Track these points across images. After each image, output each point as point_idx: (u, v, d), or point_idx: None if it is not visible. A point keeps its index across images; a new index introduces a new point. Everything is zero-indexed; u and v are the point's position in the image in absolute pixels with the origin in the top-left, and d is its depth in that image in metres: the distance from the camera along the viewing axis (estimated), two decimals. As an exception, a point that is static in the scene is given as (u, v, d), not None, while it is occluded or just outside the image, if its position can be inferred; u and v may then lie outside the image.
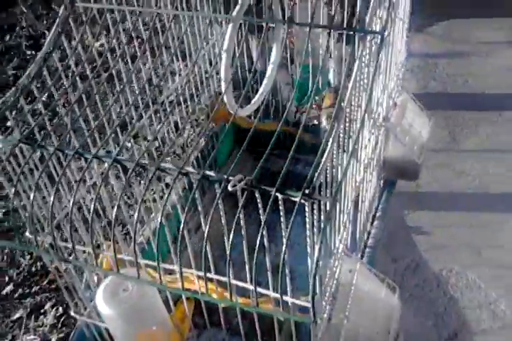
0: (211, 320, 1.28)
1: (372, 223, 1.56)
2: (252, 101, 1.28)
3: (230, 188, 0.84)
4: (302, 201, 0.83)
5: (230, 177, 0.86)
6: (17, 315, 1.94)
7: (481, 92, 2.84)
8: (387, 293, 1.27)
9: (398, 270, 2.05)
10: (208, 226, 0.85)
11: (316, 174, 0.85)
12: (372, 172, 1.38)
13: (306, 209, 0.85)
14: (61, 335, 1.93)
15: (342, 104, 0.91)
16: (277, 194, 0.84)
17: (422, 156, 1.51)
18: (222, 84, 1.15)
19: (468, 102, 2.80)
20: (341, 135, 0.96)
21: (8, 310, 1.96)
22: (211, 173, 0.87)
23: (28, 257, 2.11)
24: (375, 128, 1.26)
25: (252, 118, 1.68)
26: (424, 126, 1.55)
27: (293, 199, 0.83)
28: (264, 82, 1.28)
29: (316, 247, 0.83)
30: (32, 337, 1.91)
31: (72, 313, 1.39)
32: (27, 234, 1.08)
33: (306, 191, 0.83)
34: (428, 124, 1.57)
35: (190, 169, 0.88)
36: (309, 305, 0.99)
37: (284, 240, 0.84)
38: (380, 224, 1.56)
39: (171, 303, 1.18)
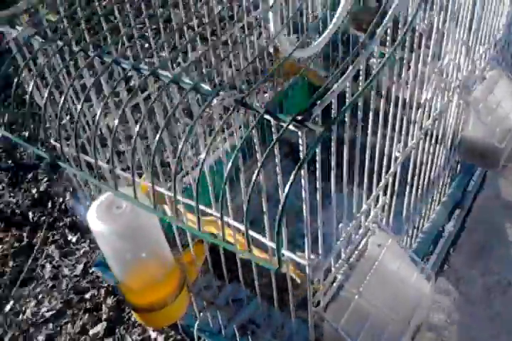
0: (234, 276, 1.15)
1: (431, 207, 1.36)
2: (314, 43, 1.14)
3: (214, 101, 0.72)
4: (291, 127, 0.69)
5: (221, 92, 0.73)
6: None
7: None
8: (420, 280, 1.09)
9: (485, 285, 1.81)
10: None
11: (319, 102, 0.70)
12: (436, 144, 1.19)
13: (300, 140, 0.70)
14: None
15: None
16: (266, 115, 0.70)
17: (505, 141, 1.29)
18: (270, 14, 1.01)
19: None
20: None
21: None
22: (205, 85, 0.75)
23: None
24: (442, 88, 1.07)
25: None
26: (516, 110, 1.32)
27: (282, 124, 0.69)
28: (330, 26, 1.13)
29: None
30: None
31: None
32: (52, 141, 0.98)
33: (299, 117, 0.69)
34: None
35: (187, 80, 0.77)
36: (304, 261, 0.86)
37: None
38: (443, 211, 1.36)
39: (178, 243, 1.08)
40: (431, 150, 1.16)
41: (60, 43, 0.84)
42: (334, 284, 1.00)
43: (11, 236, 2.25)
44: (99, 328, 2.20)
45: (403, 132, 0.99)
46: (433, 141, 1.16)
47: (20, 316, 2.23)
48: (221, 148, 1.31)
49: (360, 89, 0.76)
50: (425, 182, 1.23)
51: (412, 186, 1.16)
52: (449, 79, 1.09)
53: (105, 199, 0.93)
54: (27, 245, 2.21)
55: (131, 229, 0.90)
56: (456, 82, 1.11)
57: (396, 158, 1.02)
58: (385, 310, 1.02)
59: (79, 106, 0.79)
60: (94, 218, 0.90)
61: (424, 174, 1.21)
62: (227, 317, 1.24)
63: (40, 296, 2.27)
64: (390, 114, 0.89)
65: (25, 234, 2.24)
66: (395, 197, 1.12)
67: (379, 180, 1.01)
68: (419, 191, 1.22)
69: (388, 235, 1.07)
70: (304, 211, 0.79)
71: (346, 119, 0.80)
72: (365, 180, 0.93)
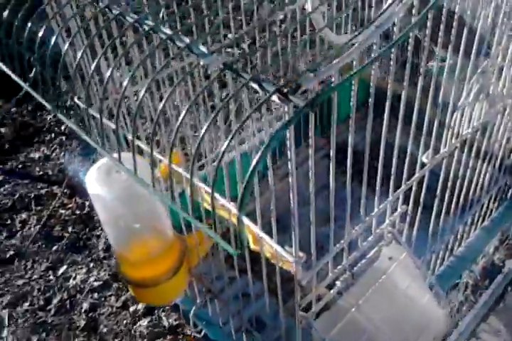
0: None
1: (470, 230, 1.18)
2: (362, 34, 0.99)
3: (201, 62, 0.61)
4: (274, 99, 0.56)
5: (215, 54, 0.62)
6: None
7: None
8: (431, 304, 0.92)
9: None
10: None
11: (315, 73, 0.57)
12: (478, 159, 1.01)
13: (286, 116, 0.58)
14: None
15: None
16: (252, 83, 0.58)
17: None
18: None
19: None
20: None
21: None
22: (202, 47, 0.64)
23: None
24: (487, 94, 0.89)
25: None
26: None
27: (264, 92, 0.57)
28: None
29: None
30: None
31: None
32: (76, 99, 0.88)
33: (285, 89, 0.56)
34: None
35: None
36: (290, 258, 0.73)
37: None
38: (483, 236, 1.17)
39: (182, 223, 0.97)
40: (470, 165, 0.99)
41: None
42: (331, 291, 0.86)
43: (74, 203, 2.25)
44: (140, 306, 2.17)
45: (433, 136, 0.83)
46: (474, 155, 0.99)
47: (71, 281, 2.22)
48: (251, 141, 1.20)
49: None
50: (461, 199, 1.06)
51: (441, 200, 0.99)
52: (498, 86, 0.92)
53: (105, 163, 0.84)
54: (87, 214, 2.20)
55: (127, 195, 0.81)
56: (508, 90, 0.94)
57: (423, 164, 0.87)
58: (384, 329, 0.87)
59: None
60: (92, 180, 0.82)
61: (460, 190, 1.03)
62: (229, 313, 1.11)
63: (91, 265, 2.25)
64: (415, 111, 0.74)
65: (87, 204, 2.22)
66: (420, 209, 0.95)
67: (399, 185, 0.86)
68: (453, 208, 1.05)
69: (403, 249, 0.91)
70: (291, 199, 0.66)
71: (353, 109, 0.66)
72: (378, 181, 0.78)
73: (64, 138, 2.34)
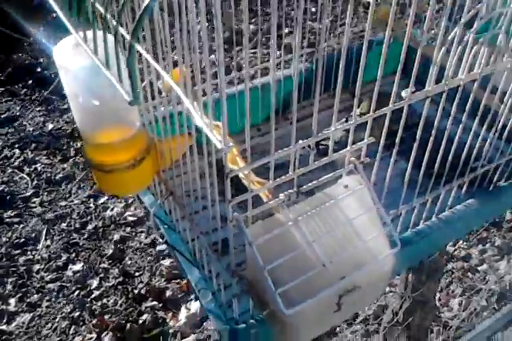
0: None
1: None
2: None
3: None
4: None
5: None
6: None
7: None
8: (378, 241, 0.86)
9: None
10: None
11: None
12: (474, 119, 0.92)
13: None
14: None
15: None
16: None
17: None
18: None
19: None
20: None
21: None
22: None
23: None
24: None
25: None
26: None
27: None
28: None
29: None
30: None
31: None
32: None
33: None
34: None
35: None
36: (218, 144, 0.70)
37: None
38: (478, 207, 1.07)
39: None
40: (463, 123, 0.90)
41: None
42: (271, 202, 0.82)
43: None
44: (166, 247, 2.19)
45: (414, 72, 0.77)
46: (469, 112, 0.90)
47: (108, 212, 2.28)
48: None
49: None
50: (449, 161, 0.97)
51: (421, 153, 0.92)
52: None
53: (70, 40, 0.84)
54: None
55: (90, 66, 0.79)
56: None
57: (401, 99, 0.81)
58: (317, 250, 0.82)
59: None
60: (59, 50, 0.83)
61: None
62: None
63: (130, 201, 2.29)
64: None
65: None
66: (395, 153, 0.89)
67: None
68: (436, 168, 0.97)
69: (362, 180, 0.85)
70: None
71: None
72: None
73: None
